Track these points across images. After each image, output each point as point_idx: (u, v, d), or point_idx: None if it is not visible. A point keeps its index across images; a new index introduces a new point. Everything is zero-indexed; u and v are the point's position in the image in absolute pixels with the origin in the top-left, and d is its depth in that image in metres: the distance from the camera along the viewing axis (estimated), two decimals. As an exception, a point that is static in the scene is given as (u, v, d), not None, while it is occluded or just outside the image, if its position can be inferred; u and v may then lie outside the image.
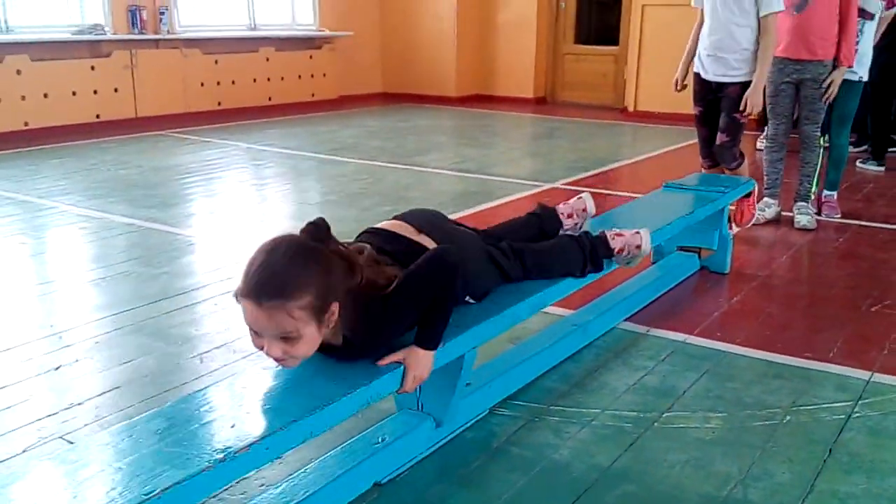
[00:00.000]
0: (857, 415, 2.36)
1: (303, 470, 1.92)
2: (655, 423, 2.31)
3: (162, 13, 7.87)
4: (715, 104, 3.97)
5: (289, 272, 1.61)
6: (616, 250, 2.53)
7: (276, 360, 1.68)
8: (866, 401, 2.44)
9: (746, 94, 3.80)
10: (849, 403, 2.42)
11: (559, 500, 1.94)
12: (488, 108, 9.83)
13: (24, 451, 2.12)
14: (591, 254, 2.46)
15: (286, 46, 9.30)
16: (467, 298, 2.15)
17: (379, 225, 2.09)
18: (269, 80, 9.11)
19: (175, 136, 7.33)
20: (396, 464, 2.04)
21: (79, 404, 2.36)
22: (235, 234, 4.31)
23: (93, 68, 7.39)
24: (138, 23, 7.70)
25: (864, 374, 2.62)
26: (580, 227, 2.67)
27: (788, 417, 2.35)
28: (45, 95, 7.04)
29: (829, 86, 4.24)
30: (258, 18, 9.16)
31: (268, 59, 9.06)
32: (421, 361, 1.85)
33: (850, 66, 4.30)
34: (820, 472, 2.06)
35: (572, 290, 2.54)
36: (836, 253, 4.08)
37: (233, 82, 8.68)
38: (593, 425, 2.30)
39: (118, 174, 5.66)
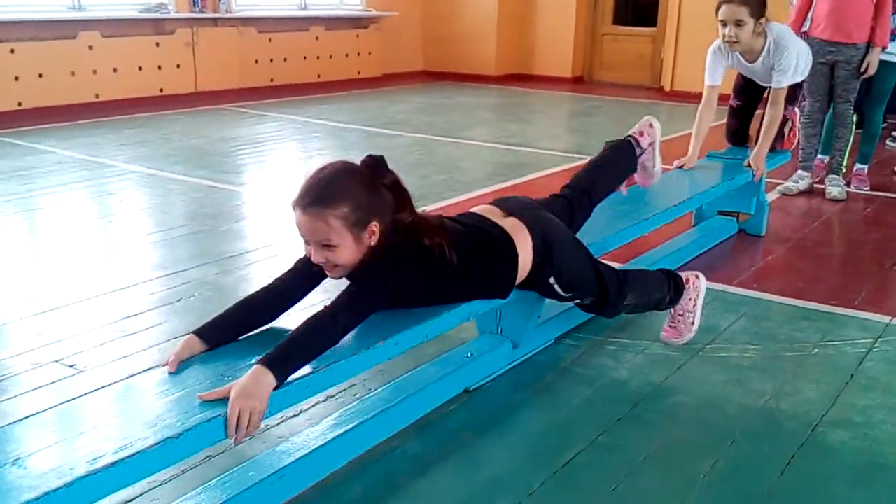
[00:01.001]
0: (877, 349, 2.71)
1: (406, 375, 2.31)
2: (700, 353, 2.67)
3: (221, -7, 8.27)
4: (755, 100, 4.05)
5: (330, 185, 1.81)
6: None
7: (324, 267, 1.87)
8: (886, 339, 2.79)
9: (750, 157, 3.74)
10: (870, 340, 2.77)
11: (620, 407, 2.32)
12: (527, 86, 10.14)
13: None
14: (672, 283, 2.51)
15: (335, 26, 9.67)
16: (551, 280, 2.21)
17: (473, 209, 2.27)
18: (318, 58, 9.49)
19: (234, 109, 7.75)
20: (482, 374, 2.43)
21: (206, 328, 2.77)
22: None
23: (157, 45, 7.82)
24: (199, 2, 8.11)
25: (884, 318, 2.96)
26: (654, 146, 2.80)
27: (816, 350, 2.70)
28: (115, 70, 7.49)
29: (866, 67, 4.51)
30: (309, -2, 9.55)
31: (317, 38, 9.44)
32: (252, 394, 1.57)
33: (885, 47, 4.56)
34: (842, 391, 2.42)
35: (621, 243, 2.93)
36: (863, 220, 4.40)
37: (285, 59, 9.08)
38: (645, 353, 2.67)
39: (191, 143, 6.09)
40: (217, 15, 8.30)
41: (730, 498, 1.91)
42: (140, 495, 1.84)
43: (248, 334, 1.87)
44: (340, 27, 9.76)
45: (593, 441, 2.14)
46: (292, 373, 1.67)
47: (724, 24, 3.59)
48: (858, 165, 5.03)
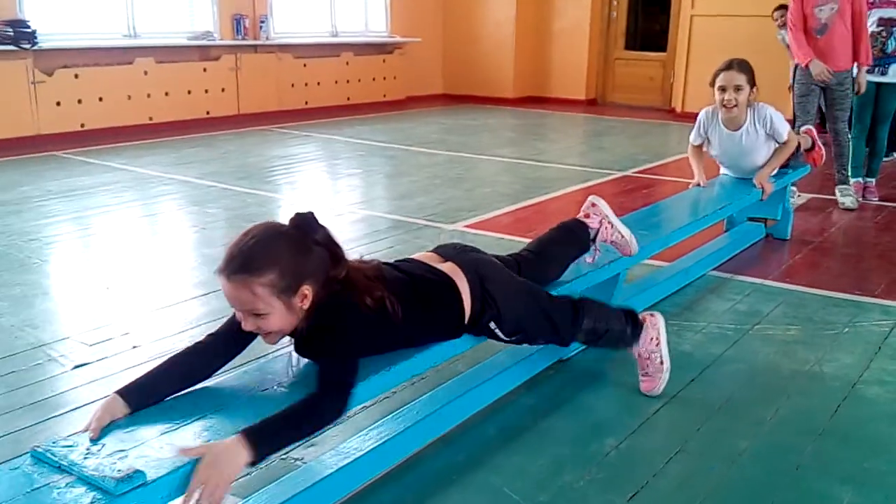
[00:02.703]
0: (899, 329, 3.19)
1: (516, 347, 2.77)
2: (749, 332, 3.15)
3: (262, 21, 8.81)
4: None
5: (255, 251, 1.73)
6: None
7: (257, 333, 1.82)
8: (905, 320, 3.28)
9: (759, 174, 4.04)
10: (891, 322, 3.25)
11: (691, 371, 2.78)
12: (544, 108, 10.67)
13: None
14: (629, 318, 2.58)
15: (363, 51, 10.21)
16: (492, 325, 2.16)
17: (413, 256, 2.24)
18: (347, 81, 10.03)
19: (276, 130, 8.25)
20: (572, 349, 2.90)
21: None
22: (388, 207, 5.17)
23: (205, 70, 8.34)
24: (242, 30, 8.64)
25: (903, 305, 3.45)
26: (605, 225, 2.73)
27: (847, 329, 3.18)
28: (166, 94, 8.00)
29: (858, 87, 5.05)
30: (339, 26, 10.09)
31: (347, 63, 9.98)
32: (222, 464, 1.51)
33: (869, 66, 5.08)
34: (873, 359, 2.89)
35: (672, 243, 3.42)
36: (875, 227, 4.89)
37: (318, 83, 9.61)
38: (704, 332, 3.15)
39: (249, 161, 6.59)
40: (258, 42, 8.83)
41: (793, 434, 2.38)
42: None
43: (174, 395, 1.78)
44: (368, 52, 10.31)
45: (674, 396, 2.61)
46: (275, 451, 1.65)
47: (723, 90, 3.94)
48: (867, 179, 5.53)
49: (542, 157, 7.04)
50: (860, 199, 5.39)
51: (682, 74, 10.11)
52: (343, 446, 2.16)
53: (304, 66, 9.40)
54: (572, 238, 2.68)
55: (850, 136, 5.33)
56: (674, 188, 5.19)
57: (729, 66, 3.99)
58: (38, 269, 3.86)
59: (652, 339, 2.58)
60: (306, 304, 1.79)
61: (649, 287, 3.42)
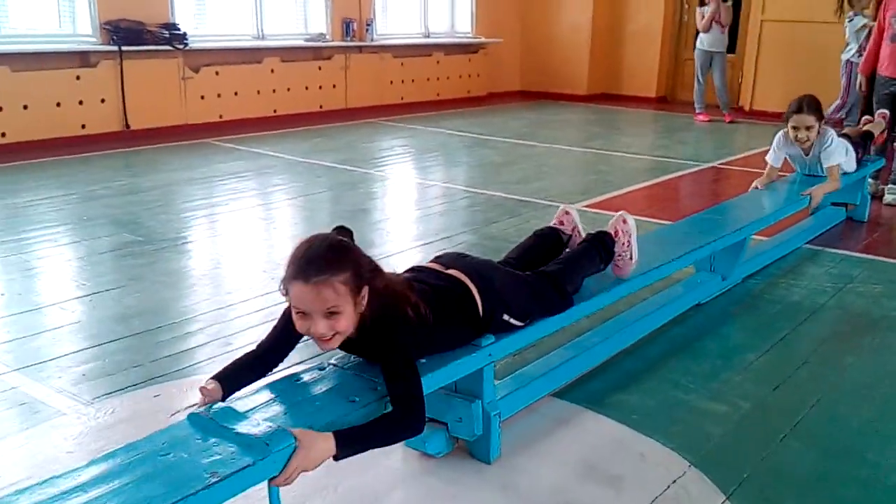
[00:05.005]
0: (967, 288, 3.95)
1: (662, 291, 3.59)
2: (843, 288, 3.93)
3: (368, 24, 9.70)
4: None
5: (331, 252, 1.88)
6: (614, 233, 2.82)
7: (321, 338, 1.89)
8: (972, 283, 4.03)
9: (816, 189, 4.38)
10: (961, 283, 4.02)
11: (803, 314, 3.58)
12: (616, 104, 11.42)
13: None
14: (600, 247, 2.76)
15: (451, 51, 11.07)
16: (505, 317, 2.32)
17: (420, 264, 2.38)
18: (437, 79, 10.90)
19: (382, 123, 9.14)
20: (706, 294, 3.71)
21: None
22: (512, 190, 5.98)
23: (319, 68, 9.26)
24: (351, 32, 9.54)
25: (969, 271, 4.20)
26: (576, 232, 2.88)
27: (924, 288, 3.96)
28: (288, 89, 8.93)
29: None
30: (431, 28, 10.96)
31: (438, 62, 10.85)
32: (313, 452, 1.73)
33: None
34: (947, 309, 3.67)
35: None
36: (943, 212, 5.62)
37: (412, 81, 10.49)
38: (808, 288, 3.93)
39: (373, 148, 7.48)
40: (363, 43, 9.73)
41: (887, 353, 3.18)
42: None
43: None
44: (455, 52, 11.16)
45: (793, 329, 3.41)
46: (353, 454, 1.83)
47: (797, 129, 4.50)
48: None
49: (631, 150, 7.82)
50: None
51: (750, 75, 10.77)
52: (557, 352, 3.00)
53: (402, 64, 10.29)
54: (548, 243, 2.83)
55: None
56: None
57: (799, 108, 4.52)
58: (260, 228, 4.80)
59: (624, 244, 2.79)
60: (363, 306, 1.92)
61: (760, 254, 4.22)
